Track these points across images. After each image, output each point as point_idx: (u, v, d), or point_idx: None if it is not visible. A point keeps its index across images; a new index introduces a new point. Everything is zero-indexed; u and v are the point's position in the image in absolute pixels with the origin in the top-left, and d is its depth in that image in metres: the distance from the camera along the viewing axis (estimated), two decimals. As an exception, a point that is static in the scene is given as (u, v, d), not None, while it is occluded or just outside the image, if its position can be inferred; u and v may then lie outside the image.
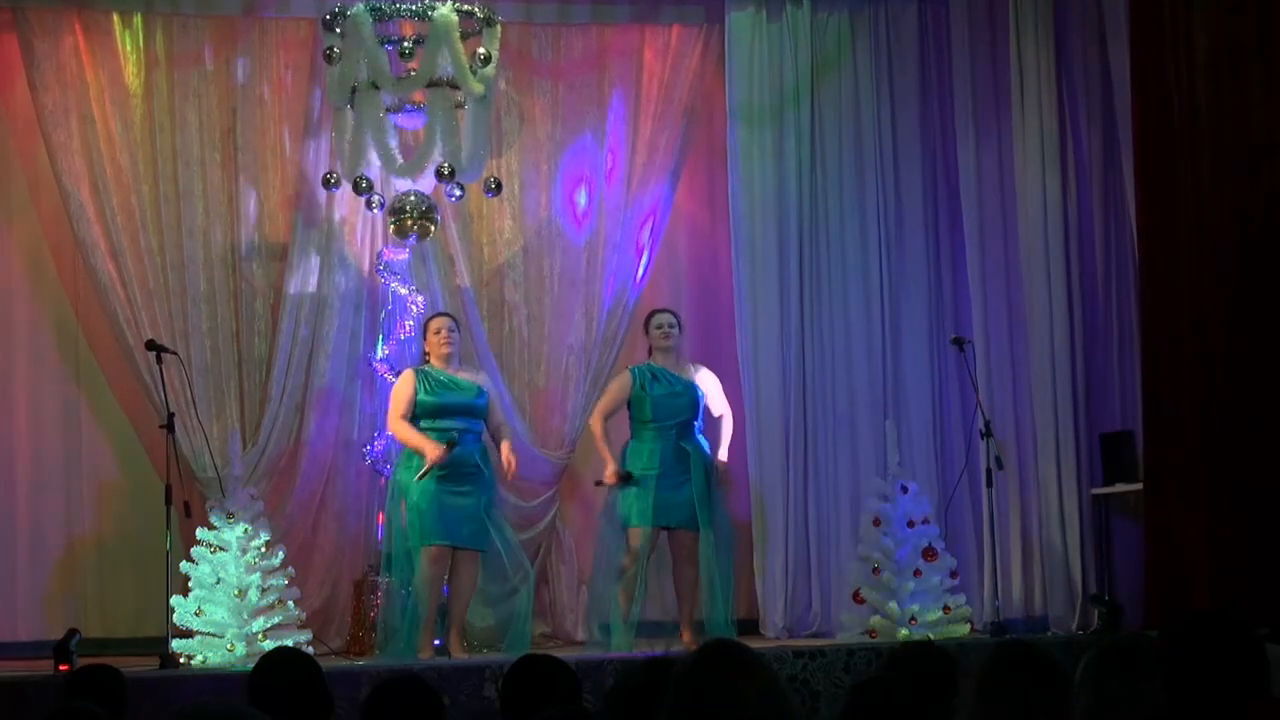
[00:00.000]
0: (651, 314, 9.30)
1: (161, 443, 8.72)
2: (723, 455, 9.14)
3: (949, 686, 4.47)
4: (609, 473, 8.97)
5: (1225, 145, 8.93)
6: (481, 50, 9.28)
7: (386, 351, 9.48)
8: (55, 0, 9.60)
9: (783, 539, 9.90)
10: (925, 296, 10.17)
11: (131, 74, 9.64)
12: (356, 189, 9.38)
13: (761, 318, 10.03)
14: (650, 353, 9.20)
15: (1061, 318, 9.85)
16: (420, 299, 9.52)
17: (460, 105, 9.38)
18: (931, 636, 8.53)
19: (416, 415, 8.81)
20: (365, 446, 9.52)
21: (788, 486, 9.93)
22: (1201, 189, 8.98)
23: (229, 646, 8.39)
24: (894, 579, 9.09)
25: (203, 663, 8.38)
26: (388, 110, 9.41)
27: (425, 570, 8.61)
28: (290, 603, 8.67)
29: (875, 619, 9.10)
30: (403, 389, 8.86)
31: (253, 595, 8.49)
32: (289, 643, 8.12)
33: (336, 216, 9.80)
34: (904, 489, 9.30)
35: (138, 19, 9.69)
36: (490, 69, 9.32)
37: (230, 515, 8.63)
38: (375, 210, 9.59)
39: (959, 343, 9.55)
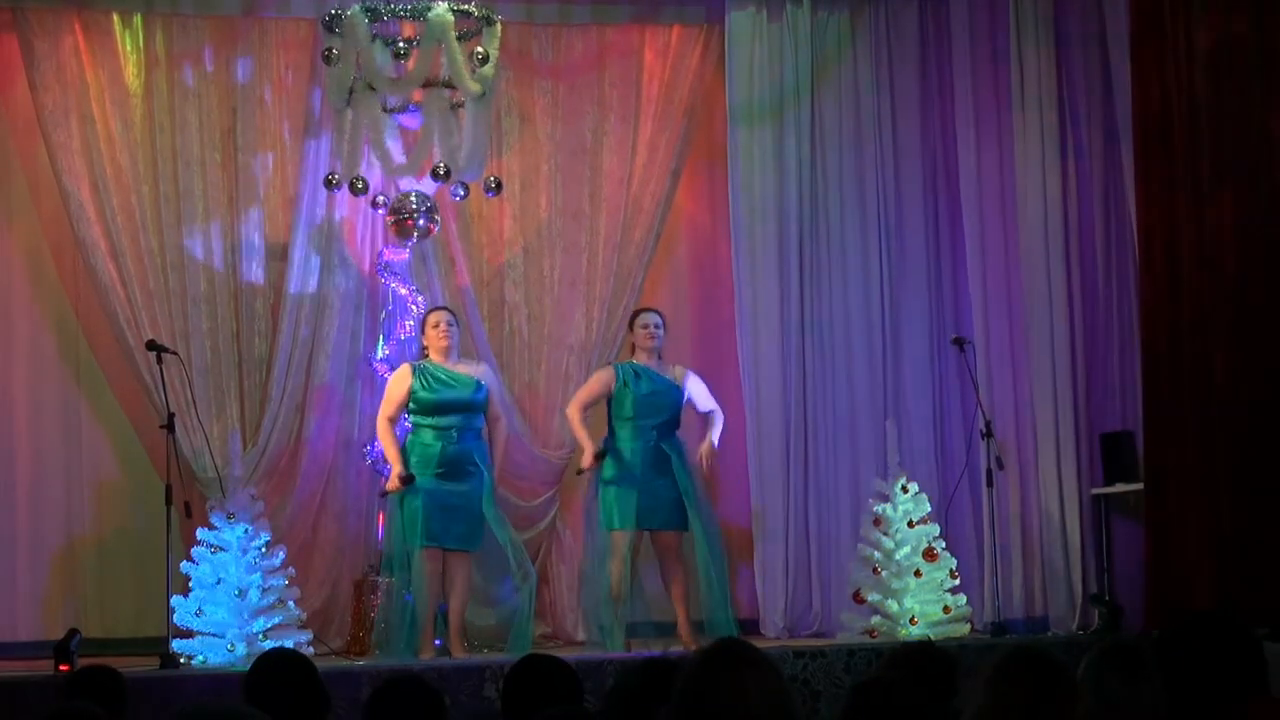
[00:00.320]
0: (637, 312, 9.28)
1: (162, 443, 8.73)
2: (714, 440, 9.07)
3: (949, 687, 4.47)
4: (587, 456, 8.93)
5: (1225, 145, 8.93)
6: (479, 49, 9.28)
7: (387, 352, 9.48)
8: (55, 0, 9.60)
9: (783, 539, 9.90)
10: (926, 296, 10.16)
11: (132, 74, 9.63)
12: (353, 190, 9.38)
13: (762, 318, 10.02)
14: (633, 351, 9.16)
15: (1062, 317, 9.85)
16: (421, 299, 9.51)
17: (459, 105, 9.38)
18: (932, 637, 8.53)
19: (414, 411, 8.82)
20: (365, 447, 9.52)
21: (788, 486, 9.92)
22: (1201, 189, 8.98)
23: (229, 647, 8.38)
24: (894, 579, 9.09)
25: (203, 663, 8.38)
26: (392, 111, 9.41)
27: (422, 570, 8.62)
28: (290, 603, 8.67)
29: (876, 619, 9.10)
30: (396, 388, 8.88)
31: (253, 595, 8.49)
32: (289, 643, 8.13)
33: (337, 217, 9.79)
34: (904, 489, 9.30)
35: (138, 19, 9.69)
36: (489, 68, 9.31)
37: (231, 515, 8.63)
38: (380, 210, 9.60)
39: (959, 342, 9.56)
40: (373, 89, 9.28)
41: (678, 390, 9.08)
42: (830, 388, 10.05)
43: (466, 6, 9.28)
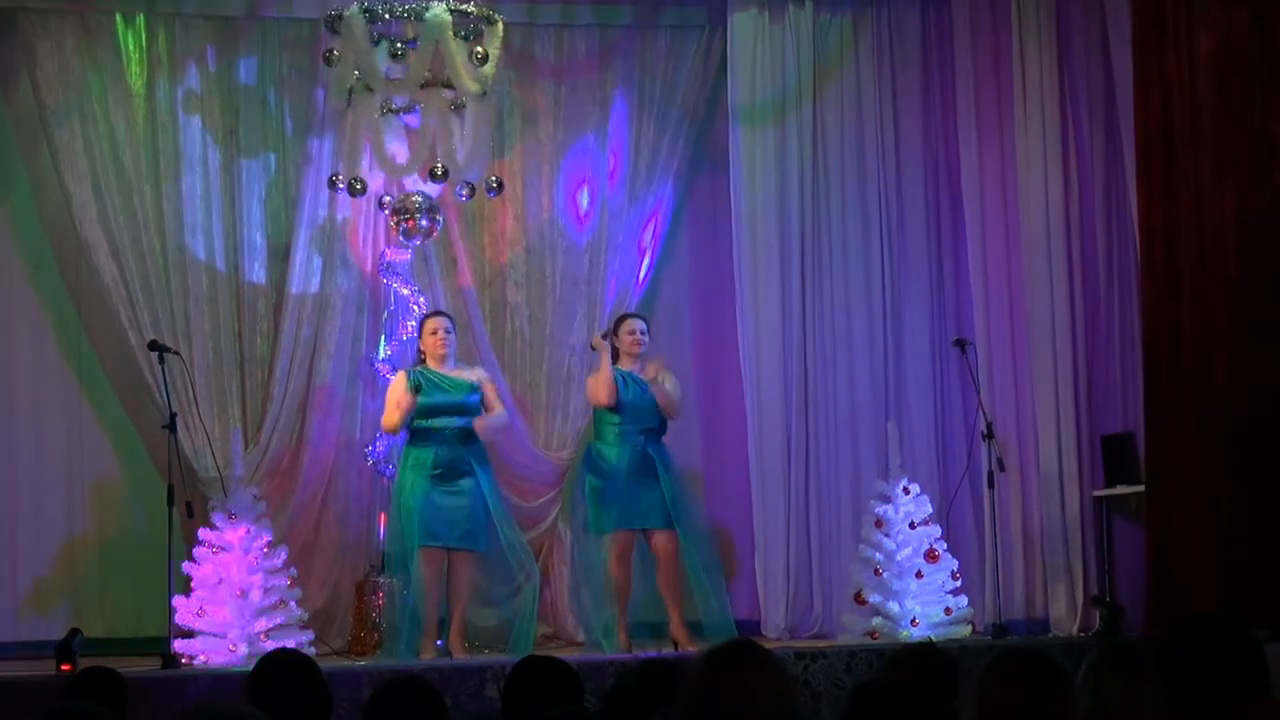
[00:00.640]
0: (622, 318, 9.22)
1: (164, 443, 8.73)
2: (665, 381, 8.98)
3: (951, 688, 4.47)
4: (597, 338, 8.99)
5: (1227, 145, 8.93)
6: (479, 49, 9.27)
7: (389, 352, 9.48)
8: (58, 0, 9.61)
9: (784, 540, 9.90)
10: (927, 298, 10.17)
11: (134, 74, 9.64)
12: (351, 191, 9.38)
13: (763, 319, 10.02)
14: (617, 356, 9.06)
15: (1063, 319, 9.84)
16: (422, 300, 9.52)
17: (460, 105, 9.37)
18: (933, 638, 8.52)
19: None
20: (367, 447, 9.52)
21: (789, 487, 9.93)
22: (1203, 189, 8.98)
23: (231, 647, 8.38)
24: (895, 580, 9.09)
25: (205, 663, 8.38)
26: (398, 111, 9.40)
27: (421, 571, 8.63)
28: (292, 603, 8.67)
29: (877, 620, 9.10)
30: (394, 394, 8.89)
31: (255, 595, 8.49)
32: (290, 643, 8.13)
33: (339, 217, 9.80)
34: (905, 490, 9.30)
35: (140, 19, 9.70)
36: (489, 68, 9.30)
37: (232, 515, 8.63)
38: (384, 210, 9.60)
39: (961, 344, 9.56)
40: (371, 90, 9.28)
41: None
42: (831, 389, 10.05)
43: (465, 6, 9.28)
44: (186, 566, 8.56)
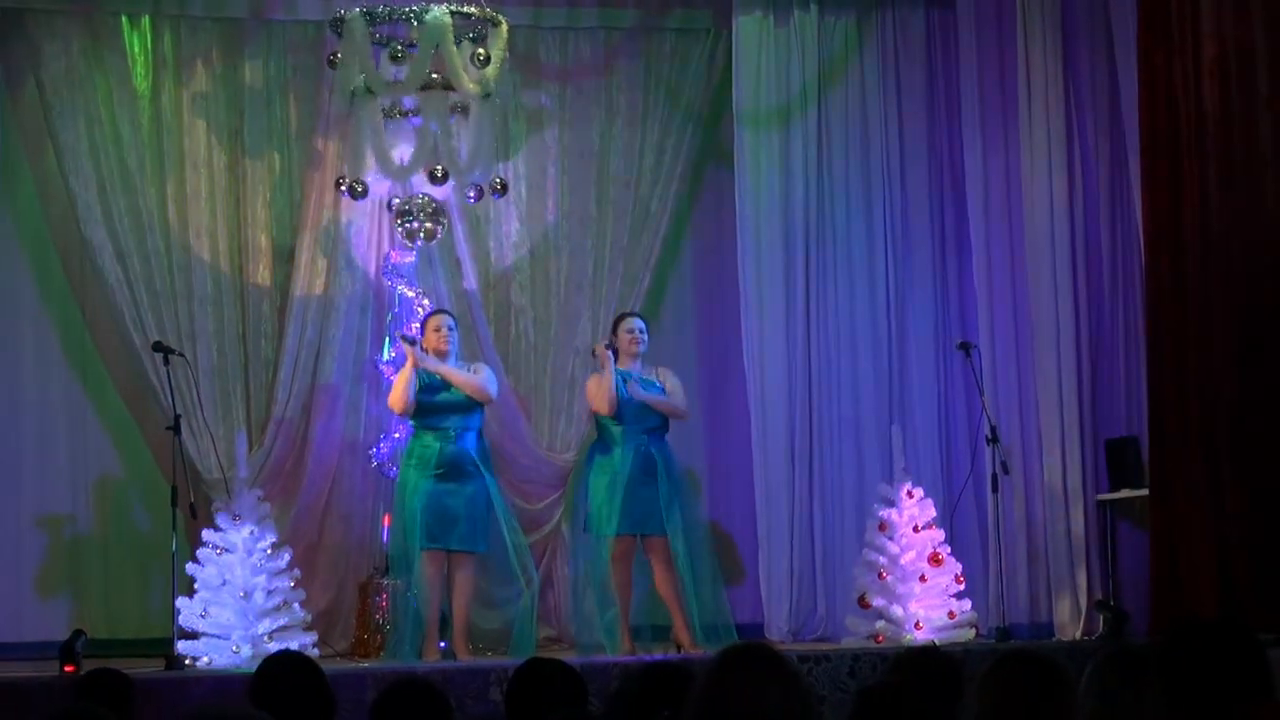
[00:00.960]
0: (622, 316, 9.21)
1: (167, 444, 8.73)
2: (639, 384, 8.91)
3: (954, 692, 4.46)
4: (599, 347, 8.95)
5: (1232, 150, 8.92)
6: (480, 51, 9.27)
7: (393, 354, 9.48)
8: (64, 1, 9.62)
9: (788, 543, 9.90)
10: (931, 301, 10.17)
11: (139, 76, 9.65)
12: (352, 194, 9.39)
13: (767, 322, 10.02)
14: (616, 357, 9.03)
15: (1068, 323, 9.83)
16: (427, 302, 9.52)
17: (463, 108, 9.37)
18: (937, 642, 8.53)
19: (412, 414, 8.84)
20: (371, 449, 9.52)
21: (793, 490, 9.93)
22: (1208, 194, 8.97)
23: (234, 648, 8.39)
24: (899, 584, 9.09)
25: (208, 664, 8.38)
26: (408, 114, 9.40)
27: (423, 573, 8.63)
28: (296, 605, 8.67)
29: (880, 624, 9.10)
30: (403, 373, 8.91)
31: (258, 597, 8.50)
32: (294, 645, 8.13)
33: (343, 219, 9.80)
34: (909, 494, 9.30)
35: (145, 21, 9.70)
36: (491, 69, 9.30)
37: (236, 517, 8.63)
38: (389, 212, 9.61)
39: (965, 347, 9.55)
40: (373, 92, 9.28)
41: (663, 393, 9.03)
42: (835, 392, 10.05)
43: (467, 8, 9.27)
44: (190, 568, 8.57)
